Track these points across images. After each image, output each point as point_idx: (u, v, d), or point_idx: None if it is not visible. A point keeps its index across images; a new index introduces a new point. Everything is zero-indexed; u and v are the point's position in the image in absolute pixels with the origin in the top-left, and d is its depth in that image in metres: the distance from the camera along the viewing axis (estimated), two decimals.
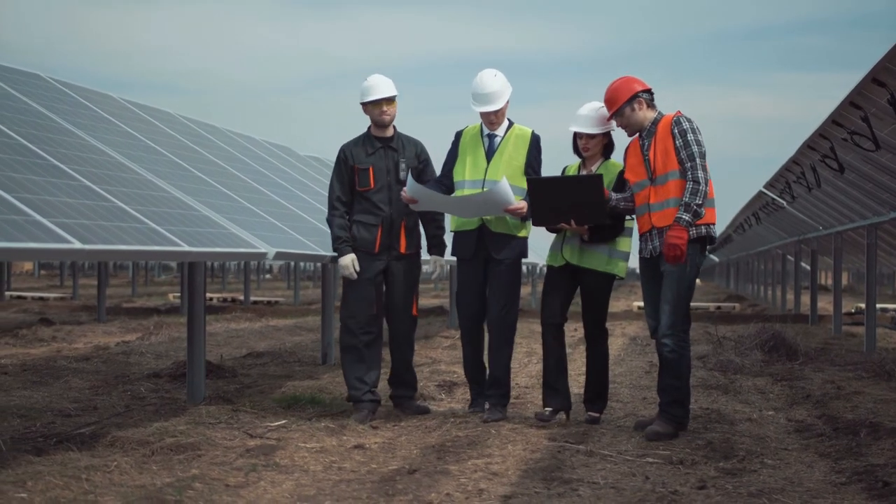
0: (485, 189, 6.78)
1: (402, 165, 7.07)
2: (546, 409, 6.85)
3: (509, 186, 6.67)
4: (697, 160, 6.39)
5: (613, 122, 6.71)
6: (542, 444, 6.14)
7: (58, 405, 7.32)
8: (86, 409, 7.16)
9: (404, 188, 6.89)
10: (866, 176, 11.07)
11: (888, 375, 9.37)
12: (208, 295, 25.01)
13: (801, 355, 11.05)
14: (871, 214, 12.61)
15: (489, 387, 7.01)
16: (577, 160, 6.97)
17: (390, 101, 7.03)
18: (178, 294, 26.58)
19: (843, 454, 5.94)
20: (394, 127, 7.14)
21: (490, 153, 6.91)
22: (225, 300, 23.86)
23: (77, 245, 4.45)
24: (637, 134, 6.61)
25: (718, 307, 22.42)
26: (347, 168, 7.06)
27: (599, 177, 6.62)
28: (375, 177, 7.02)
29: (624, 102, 6.50)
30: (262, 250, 6.99)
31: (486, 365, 7.16)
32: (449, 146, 7.14)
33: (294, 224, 8.69)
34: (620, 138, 6.85)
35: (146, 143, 8.09)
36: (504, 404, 7.00)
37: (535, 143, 6.94)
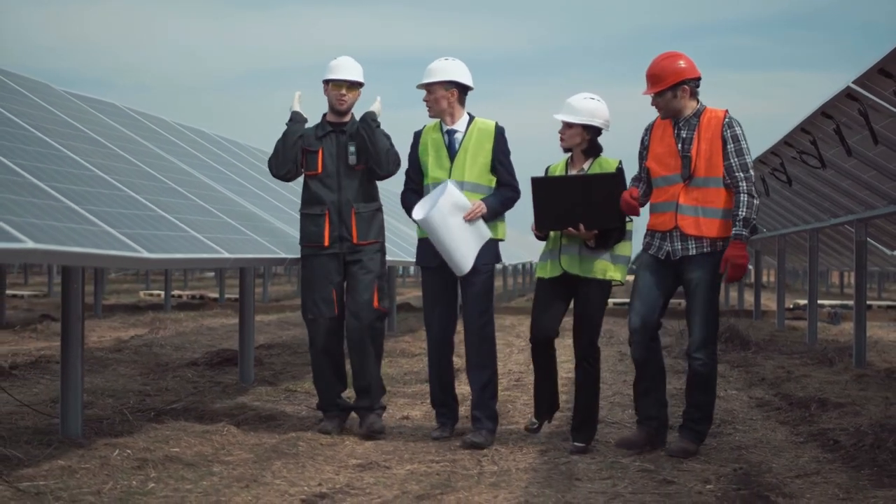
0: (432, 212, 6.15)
1: (352, 150, 6.59)
2: (536, 420, 6.42)
3: (453, 186, 6.22)
4: (751, 172, 5.88)
5: (598, 119, 6.10)
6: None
7: (132, 387, 8.41)
8: (160, 391, 8.26)
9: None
10: (811, 188, 12.06)
11: (830, 362, 10.66)
12: (178, 292, 26.05)
13: (753, 345, 12.23)
14: (813, 220, 13.55)
15: (474, 409, 6.41)
16: (562, 158, 6.32)
17: (351, 86, 6.61)
18: (147, 291, 27.68)
19: (799, 422, 7.22)
20: (352, 115, 6.71)
21: (452, 151, 6.36)
22: (194, 297, 24.74)
23: (225, 255, 5.65)
24: (670, 119, 5.99)
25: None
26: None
27: (612, 175, 6.07)
28: (324, 161, 6.58)
29: (668, 87, 5.87)
30: None
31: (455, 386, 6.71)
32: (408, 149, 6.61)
33: None
34: (613, 139, 6.41)
35: (209, 162, 9.20)
36: (493, 428, 6.42)
37: (499, 136, 6.38)
